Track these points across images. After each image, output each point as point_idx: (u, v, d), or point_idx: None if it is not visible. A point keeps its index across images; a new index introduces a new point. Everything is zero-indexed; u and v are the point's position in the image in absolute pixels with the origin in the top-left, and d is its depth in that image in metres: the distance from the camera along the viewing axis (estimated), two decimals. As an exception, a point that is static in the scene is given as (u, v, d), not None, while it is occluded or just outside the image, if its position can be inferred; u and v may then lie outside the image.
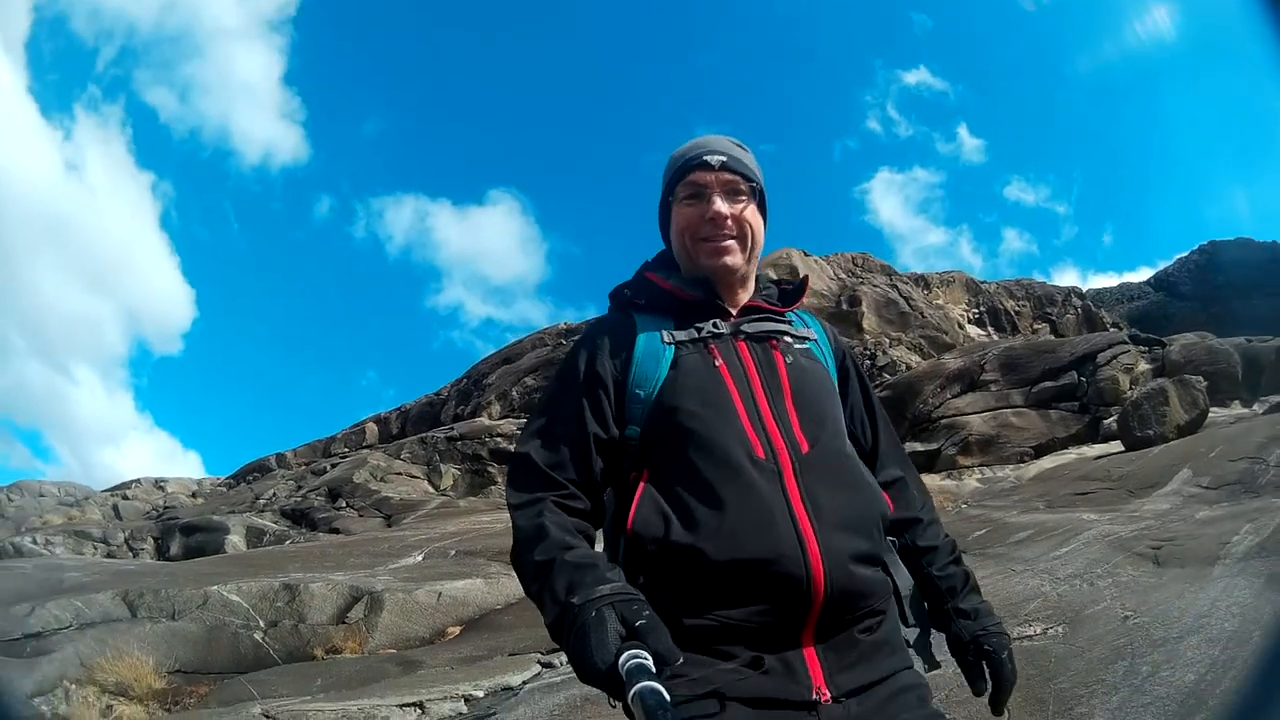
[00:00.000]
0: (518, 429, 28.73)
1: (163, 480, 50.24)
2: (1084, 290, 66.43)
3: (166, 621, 9.30)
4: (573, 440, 2.05)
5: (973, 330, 51.86)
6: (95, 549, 26.32)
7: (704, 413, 1.98)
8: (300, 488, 33.19)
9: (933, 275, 57.16)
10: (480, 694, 6.48)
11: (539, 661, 7.34)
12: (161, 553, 25.62)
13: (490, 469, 29.38)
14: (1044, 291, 60.13)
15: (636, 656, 1.51)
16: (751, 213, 2.25)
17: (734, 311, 2.23)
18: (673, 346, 2.12)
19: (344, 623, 9.68)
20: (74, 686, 7.67)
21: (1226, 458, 12.73)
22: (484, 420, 34.35)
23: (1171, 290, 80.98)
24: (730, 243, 2.20)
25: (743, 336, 2.16)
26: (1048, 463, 20.92)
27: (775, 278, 2.49)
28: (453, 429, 33.97)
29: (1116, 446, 19.18)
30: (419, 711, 6.11)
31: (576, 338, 2.41)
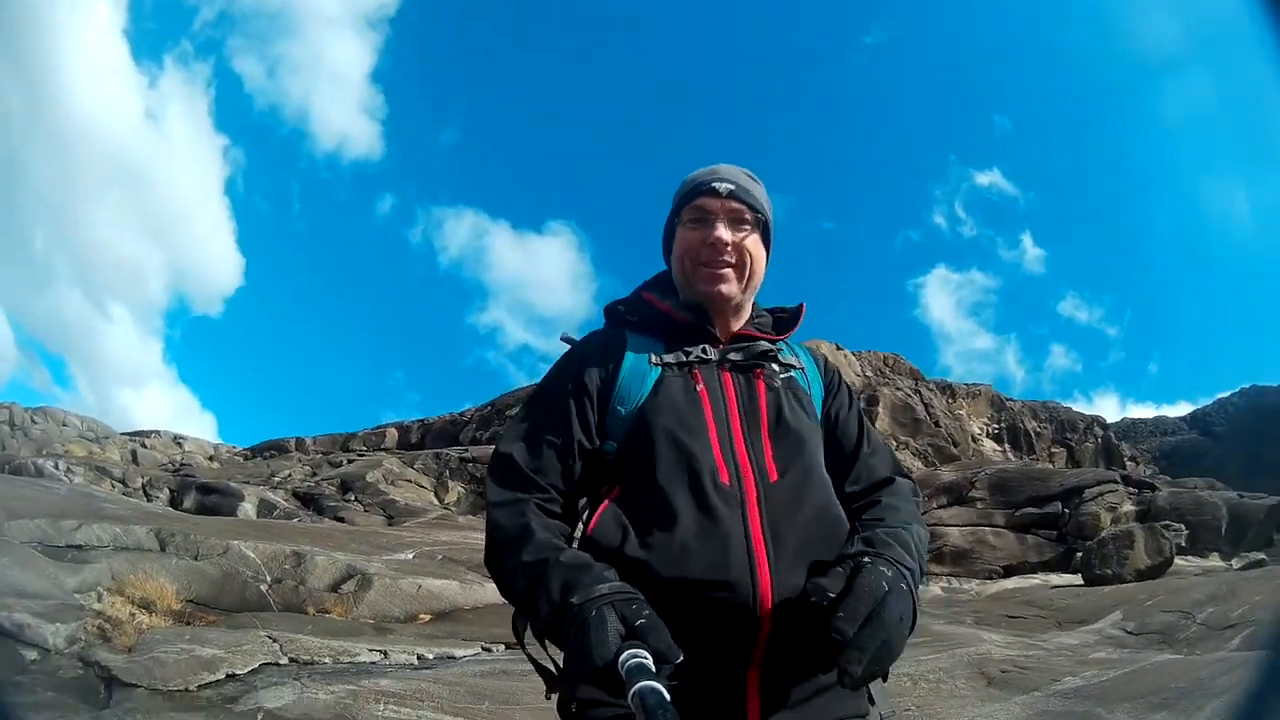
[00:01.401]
0: None
1: (181, 437, 51.19)
2: (1112, 421, 66.62)
3: (190, 560, 10.62)
4: (556, 446, 2.08)
5: (989, 444, 52.41)
6: (114, 487, 27.43)
7: (677, 436, 2.00)
8: (315, 474, 34.09)
9: (960, 385, 57.71)
10: (430, 656, 7.96)
11: (482, 646, 8.78)
12: (175, 504, 26.50)
13: None
14: (1068, 417, 60.25)
15: (636, 655, 1.51)
16: (753, 242, 2.27)
17: (723, 339, 2.26)
18: (659, 368, 2.14)
19: (337, 592, 10.98)
20: (106, 593, 8.75)
21: (1160, 608, 13.23)
22: None
23: (1206, 430, 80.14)
24: (728, 270, 2.22)
25: (728, 365, 2.18)
26: (1011, 583, 21.73)
27: (773, 307, 2.51)
28: (467, 450, 34.93)
29: (1078, 579, 19.98)
30: (382, 656, 7.59)
31: (569, 346, 2.36)
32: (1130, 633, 12.25)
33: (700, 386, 2.12)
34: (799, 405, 2.18)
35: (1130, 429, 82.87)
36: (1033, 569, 23.77)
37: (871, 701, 2.00)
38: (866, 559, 1.80)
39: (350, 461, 36.47)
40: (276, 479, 33.47)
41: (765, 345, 2.26)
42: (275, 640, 7.53)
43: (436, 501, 30.58)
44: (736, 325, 2.32)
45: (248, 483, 30.67)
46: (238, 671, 6.30)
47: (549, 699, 1.99)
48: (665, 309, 2.29)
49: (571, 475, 2.10)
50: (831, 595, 1.69)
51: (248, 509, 25.73)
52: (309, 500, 28.80)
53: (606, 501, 2.05)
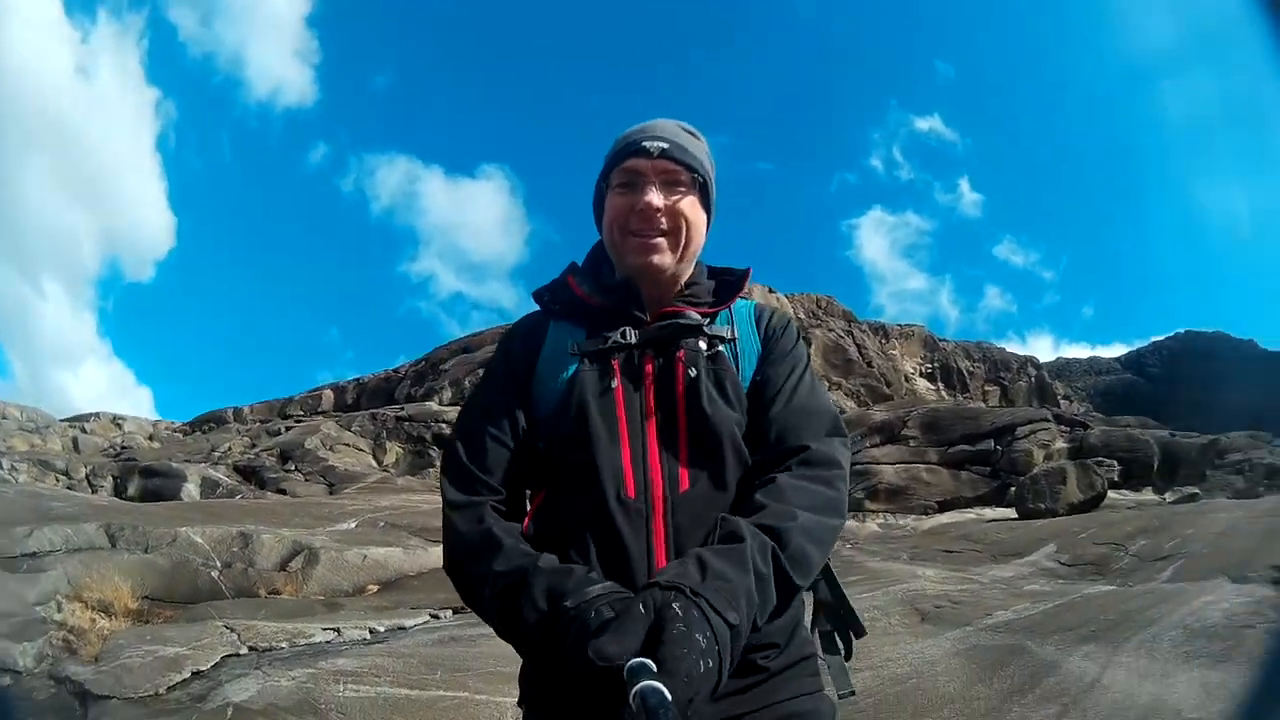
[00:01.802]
0: None
1: (120, 418, 50.56)
2: (1045, 361, 67.61)
3: (140, 554, 10.78)
4: (498, 442, 1.98)
5: (922, 384, 52.89)
6: (58, 480, 27.38)
7: (585, 443, 1.88)
8: (254, 445, 33.99)
9: (893, 326, 58.00)
10: (382, 629, 8.40)
11: (429, 614, 9.23)
12: (119, 492, 26.58)
13: (431, 452, 30.39)
14: (1001, 357, 60.50)
15: (638, 655, 1.43)
16: (689, 205, 2.07)
17: (650, 318, 2.07)
18: (576, 360, 2.00)
19: (285, 570, 11.32)
20: (65, 601, 8.83)
21: (1093, 540, 13.47)
22: (433, 405, 35.47)
23: (1141, 371, 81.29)
24: (659, 240, 2.03)
25: (649, 350, 2.01)
26: (946, 518, 21.99)
27: (719, 268, 2.29)
28: (403, 409, 34.95)
29: (1012, 513, 20.14)
30: (336, 634, 8.01)
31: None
32: (1064, 564, 12.50)
33: (616, 382, 1.97)
34: (720, 389, 1.99)
35: (1064, 368, 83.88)
36: (968, 504, 24.18)
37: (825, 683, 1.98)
38: (675, 606, 1.50)
39: (288, 429, 36.34)
40: (216, 454, 33.32)
41: (689, 320, 2.06)
42: (233, 630, 7.89)
43: (375, 464, 30.72)
44: (671, 296, 2.14)
45: (189, 461, 30.62)
46: (202, 668, 6.65)
47: None
48: (582, 294, 2.13)
49: (516, 473, 2.00)
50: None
51: (191, 490, 25.75)
52: (250, 474, 28.87)
53: (531, 510, 2.00)
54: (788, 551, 1.73)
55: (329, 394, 45.95)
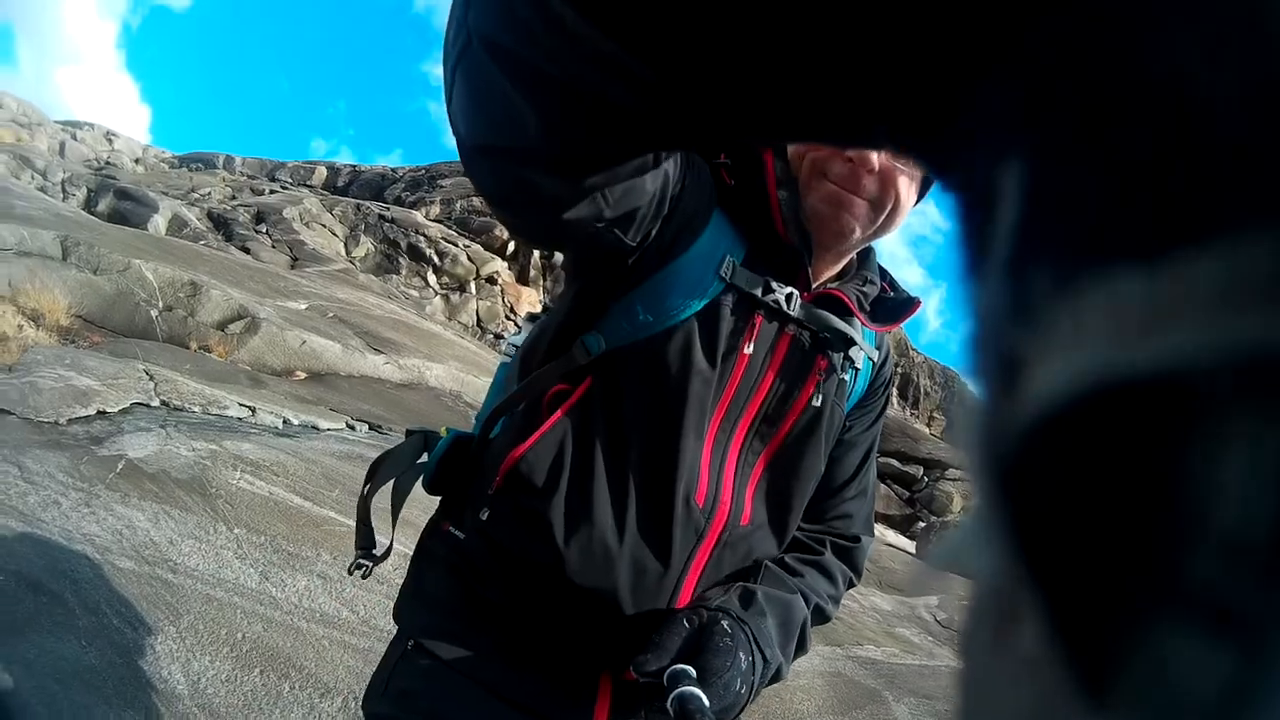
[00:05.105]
0: (442, 236, 29.17)
1: (114, 134, 49.94)
2: None
3: (89, 274, 10.74)
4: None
5: None
6: (34, 178, 27.27)
7: (674, 409, 1.44)
8: (235, 198, 33.56)
9: None
10: (296, 422, 8.40)
11: (347, 423, 9.21)
12: (89, 205, 26.40)
13: (401, 259, 29.71)
14: (961, 391, 60.47)
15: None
16: (907, 183, 1.50)
17: (809, 291, 1.56)
18: (721, 285, 1.46)
19: (223, 331, 11.27)
20: None
21: None
22: (418, 216, 34.89)
23: None
24: (861, 204, 1.48)
25: (795, 330, 1.53)
26: None
27: (887, 277, 1.79)
28: (388, 209, 34.51)
29: (912, 547, 19.70)
30: (250, 413, 8.03)
31: None
32: (940, 624, 12.22)
33: (748, 349, 1.48)
34: (823, 435, 1.60)
35: None
36: (876, 519, 23.52)
37: None
38: (724, 623, 1.38)
39: (272, 192, 35.95)
40: (196, 195, 32.89)
41: (849, 328, 1.59)
42: (152, 378, 7.86)
43: (344, 253, 30.25)
44: (831, 273, 1.65)
45: (166, 194, 30.10)
46: (109, 409, 6.62)
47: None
48: (776, 205, 1.50)
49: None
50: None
51: (159, 223, 25.56)
52: (221, 224, 28.35)
53: (560, 413, 1.49)
54: (809, 631, 1.60)
55: (322, 170, 45.28)
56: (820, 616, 1.66)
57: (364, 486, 1.77)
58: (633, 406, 1.46)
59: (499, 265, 28.95)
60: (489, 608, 1.52)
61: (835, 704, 6.79)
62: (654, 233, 1.36)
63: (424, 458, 1.76)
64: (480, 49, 0.71)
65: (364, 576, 1.77)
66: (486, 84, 0.76)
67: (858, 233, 1.51)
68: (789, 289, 1.50)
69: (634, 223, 1.26)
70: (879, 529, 22.05)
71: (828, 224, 1.50)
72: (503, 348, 2.16)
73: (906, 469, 25.90)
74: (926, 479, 25.71)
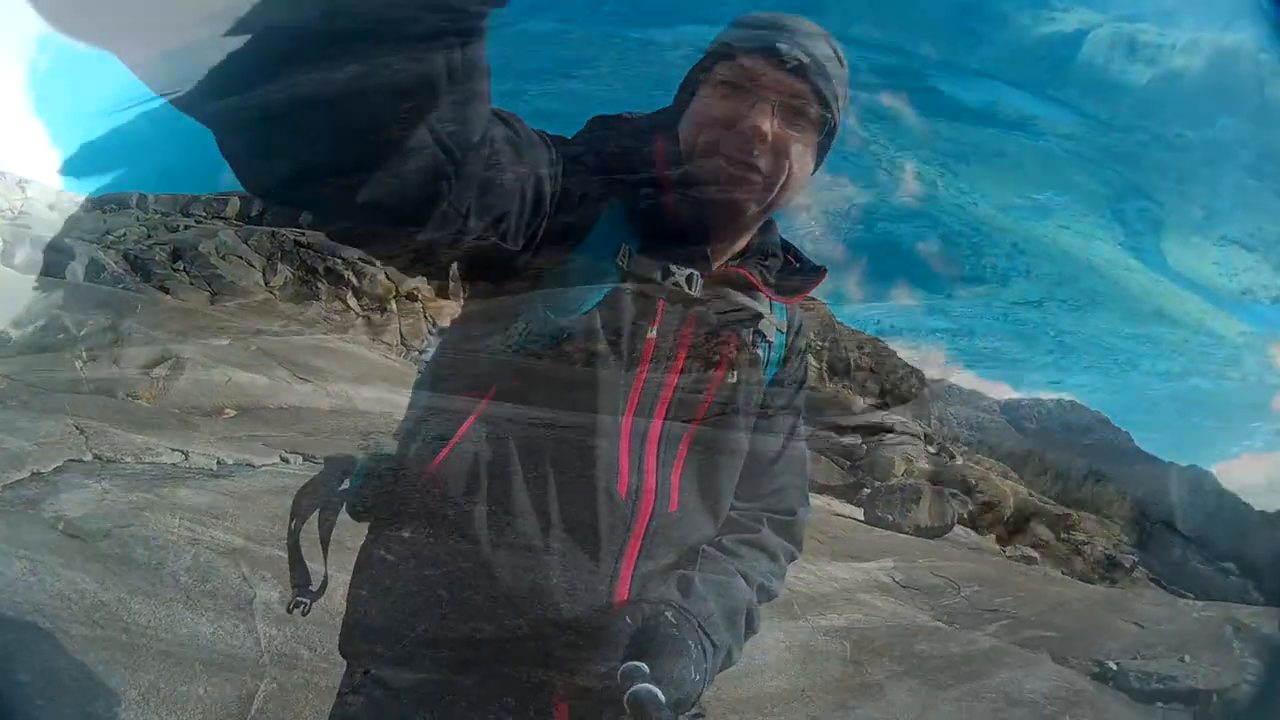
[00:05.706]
0: (359, 257, 28.91)
1: (26, 181, 48.86)
2: (931, 377, 67.64)
3: (12, 329, 10.92)
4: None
5: (810, 361, 52.81)
6: None
7: (587, 395, 1.47)
8: (150, 236, 33.05)
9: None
10: (230, 462, 8.39)
11: (281, 456, 9.18)
12: (6, 259, 24.75)
13: (320, 285, 29.25)
14: (890, 360, 60.22)
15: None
16: (802, 151, 1.52)
17: (711, 269, 1.58)
18: (619, 273, 1.49)
19: (149, 375, 11.21)
20: None
21: (932, 570, 13.09)
22: None
23: (1015, 419, 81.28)
24: (755, 176, 1.48)
25: (700, 311, 1.55)
26: None
27: (791, 249, 1.79)
28: (304, 234, 34.22)
29: (860, 514, 19.58)
30: (184, 457, 8.03)
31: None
32: (899, 584, 12.11)
33: (652, 334, 1.49)
34: (742, 411, 1.63)
35: (945, 391, 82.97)
36: (818, 490, 22.81)
37: None
38: (669, 614, 1.42)
39: (187, 228, 35.39)
40: (110, 237, 32.36)
41: (756, 305, 1.63)
42: (83, 432, 7.89)
43: (263, 283, 29.89)
44: (732, 251, 1.65)
45: (81, 239, 29.60)
46: (43, 470, 6.66)
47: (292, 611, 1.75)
48: (664, 183, 1.55)
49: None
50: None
51: (77, 270, 24.72)
52: (138, 265, 27.86)
53: (471, 420, 1.51)
54: (756, 611, 1.64)
55: (235, 201, 44.32)
56: (765, 595, 1.69)
57: (290, 523, 1.74)
58: (543, 405, 1.48)
59: (418, 281, 28.75)
60: (431, 628, 1.48)
61: (810, 676, 6.68)
62: (539, 234, 1.42)
63: (345, 484, 1.72)
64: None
65: (304, 614, 1.73)
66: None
67: (753, 207, 1.55)
68: (689, 270, 1.53)
69: (507, 226, 1.33)
70: (824, 501, 21.43)
71: (719, 202, 1.53)
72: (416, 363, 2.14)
73: (844, 439, 25.88)
74: (865, 445, 25.78)
